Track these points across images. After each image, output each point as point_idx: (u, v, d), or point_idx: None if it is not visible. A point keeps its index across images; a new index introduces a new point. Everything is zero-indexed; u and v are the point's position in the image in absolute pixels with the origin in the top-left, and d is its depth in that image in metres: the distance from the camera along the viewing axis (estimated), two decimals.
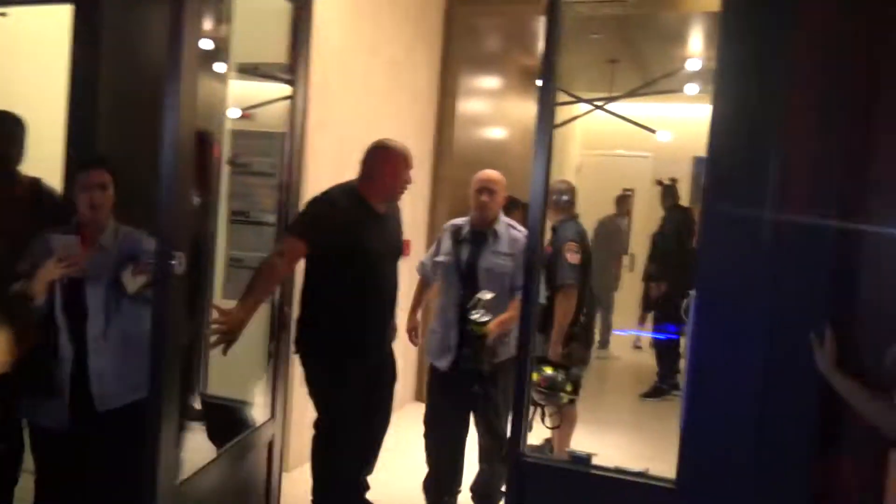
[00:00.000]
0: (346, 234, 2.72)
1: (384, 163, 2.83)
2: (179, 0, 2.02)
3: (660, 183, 6.12)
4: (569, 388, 3.42)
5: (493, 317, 2.95)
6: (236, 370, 3.22)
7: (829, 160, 2.02)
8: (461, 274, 3.14)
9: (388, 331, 3.03)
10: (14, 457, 2.61)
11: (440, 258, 3.26)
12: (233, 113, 3.27)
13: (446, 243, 3.25)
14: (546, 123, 2.42)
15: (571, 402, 3.56)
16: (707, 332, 2.14)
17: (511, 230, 3.19)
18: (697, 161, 7.86)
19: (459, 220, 3.30)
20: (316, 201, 2.83)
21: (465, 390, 3.06)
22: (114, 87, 2.65)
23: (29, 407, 2.43)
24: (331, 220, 2.73)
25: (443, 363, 3.15)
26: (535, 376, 3.06)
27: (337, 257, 2.75)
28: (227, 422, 2.97)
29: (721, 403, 2.11)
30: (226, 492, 2.68)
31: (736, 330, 2.08)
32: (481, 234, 3.17)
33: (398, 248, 3.03)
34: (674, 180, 6.05)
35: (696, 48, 5.85)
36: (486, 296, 2.93)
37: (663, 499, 2.30)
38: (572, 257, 3.58)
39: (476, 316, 2.90)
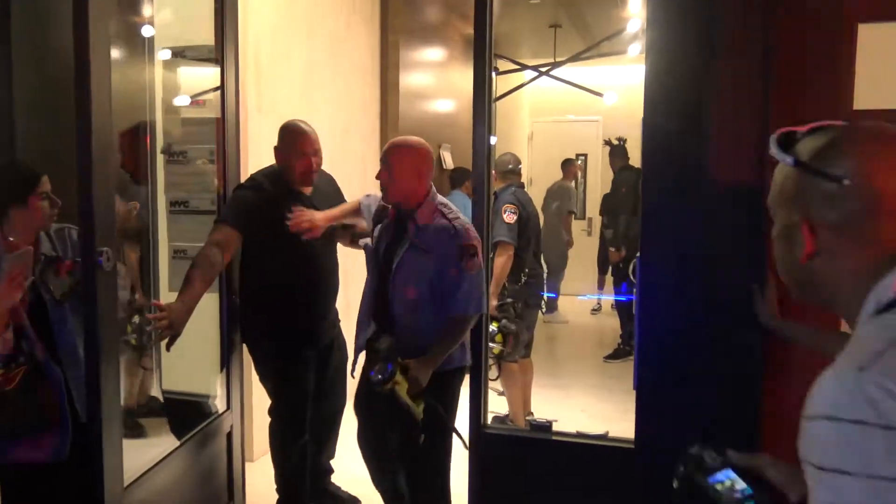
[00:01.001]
0: (273, 219, 2.67)
1: (290, 145, 2.78)
2: None
3: (608, 143, 6.09)
4: (498, 338, 3.49)
5: (396, 361, 2.23)
6: (192, 363, 3.16)
7: (762, 115, 2.02)
8: (379, 266, 2.50)
9: (332, 312, 2.99)
10: None
11: (366, 239, 2.68)
12: (181, 100, 3.15)
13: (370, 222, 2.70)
14: (483, 91, 2.38)
15: (503, 355, 3.69)
16: (653, 290, 2.15)
17: (438, 219, 2.42)
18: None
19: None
20: (241, 188, 2.81)
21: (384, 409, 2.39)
22: (29, 82, 2.52)
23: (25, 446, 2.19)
24: (256, 205, 2.71)
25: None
26: None
27: (271, 241, 2.71)
28: (186, 416, 2.92)
29: (670, 360, 2.13)
30: (186, 485, 2.64)
31: (680, 288, 2.09)
32: (401, 222, 2.48)
33: (330, 227, 2.95)
34: (621, 140, 5.99)
35: (636, 9, 5.83)
36: (383, 344, 2.32)
37: (624, 459, 2.32)
38: (508, 217, 3.84)
39: (376, 377, 2.21)
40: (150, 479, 2.38)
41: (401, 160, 2.40)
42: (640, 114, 2.22)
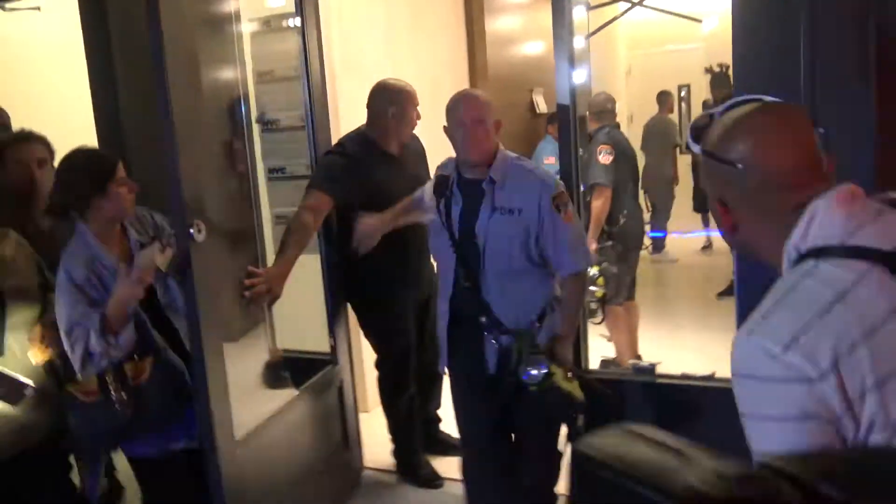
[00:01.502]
0: (364, 181, 2.72)
1: (387, 104, 2.79)
2: None
3: (708, 71, 5.71)
4: (599, 281, 3.43)
5: (542, 354, 2.08)
6: (302, 322, 3.30)
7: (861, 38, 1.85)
8: (458, 243, 2.26)
9: (427, 266, 3.03)
10: None
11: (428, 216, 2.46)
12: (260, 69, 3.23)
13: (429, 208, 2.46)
14: (562, 28, 2.31)
15: (606, 298, 3.67)
16: None
17: (519, 174, 2.23)
18: None
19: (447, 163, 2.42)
20: (329, 153, 2.85)
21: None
22: (129, 71, 2.66)
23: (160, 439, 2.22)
24: (346, 169, 2.75)
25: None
26: None
27: (362, 204, 2.75)
28: (300, 372, 3.07)
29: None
30: (303, 435, 2.78)
31: None
32: (474, 187, 2.25)
33: (421, 184, 2.97)
34: (723, 67, 5.58)
35: None
36: (523, 341, 2.11)
37: (730, 399, 2.24)
38: (604, 158, 3.73)
39: (534, 379, 2.02)
40: (265, 431, 2.53)
41: (475, 114, 2.17)
42: None
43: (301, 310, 3.11)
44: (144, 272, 1.97)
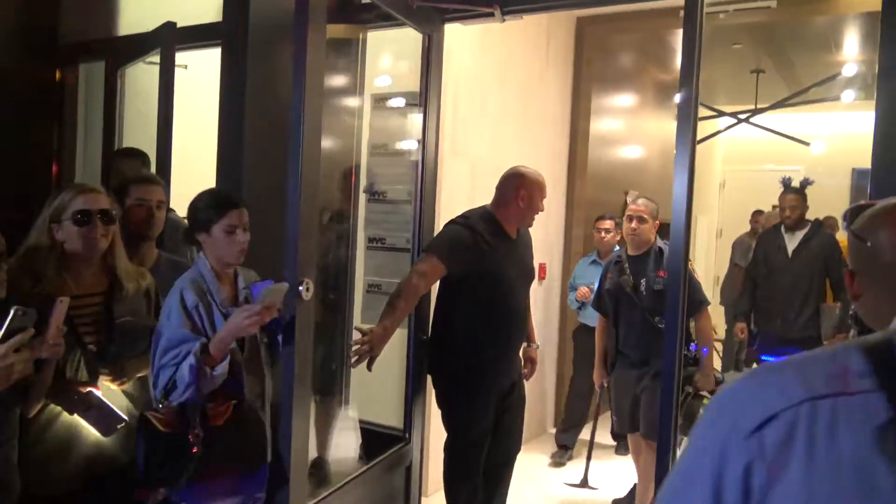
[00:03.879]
0: (483, 258, 2.74)
1: (520, 189, 2.85)
2: (303, 38, 2.09)
3: (785, 183, 4.63)
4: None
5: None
6: (376, 394, 3.29)
7: None
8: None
9: (518, 354, 2.99)
10: None
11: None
12: (373, 143, 3.36)
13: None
14: (687, 138, 2.31)
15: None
16: None
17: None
18: (856, 172, 7.27)
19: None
20: (454, 224, 2.85)
21: None
22: (258, 126, 2.80)
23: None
24: (469, 243, 2.76)
25: None
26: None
27: (473, 280, 2.76)
28: (369, 445, 3.03)
29: None
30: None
31: None
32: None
33: (530, 271, 3.03)
34: (806, 182, 4.59)
35: (851, 52, 5.41)
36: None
37: None
38: (697, 275, 3.58)
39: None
40: (333, 500, 2.49)
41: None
42: (848, 163, 2.06)
43: (378, 379, 3.10)
44: (269, 307, 1.91)
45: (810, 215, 5.23)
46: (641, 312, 3.39)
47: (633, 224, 3.43)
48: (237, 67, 2.85)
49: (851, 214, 1.15)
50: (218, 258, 2.06)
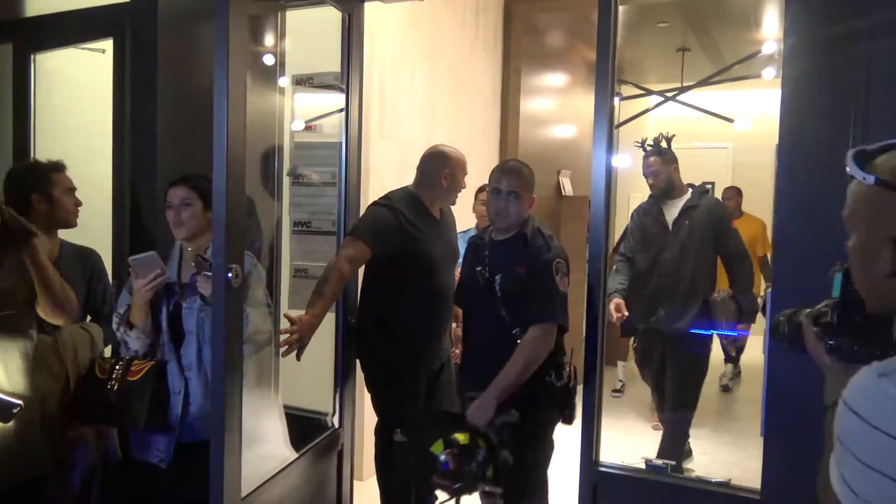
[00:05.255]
0: (408, 239, 2.72)
1: (442, 168, 2.83)
2: (224, 15, 2.02)
3: (641, 145, 4.03)
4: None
5: None
6: (306, 381, 3.24)
7: None
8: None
9: (447, 335, 2.99)
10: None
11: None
12: (296, 125, 3.29)
13: None
14: (604, 116, 2.32)
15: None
16: None
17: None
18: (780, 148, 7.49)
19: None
20: (377, 206, 2.82)
21: None
22: (171, 112, 2.70)
23: (136, 443, 2.43)
24: (394, 224, 2.73)
25: None
26: None
27: (399, 262, 2.73)
28: (299, 432, 2.98)
29: (803, 407, 1.95)
30: (298, 499, 2.68)
31: None
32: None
33: (455, 251, 3.02)
34: (663, 139, 3.95)
35: (770, 30, 5.55)
36: None
37: None
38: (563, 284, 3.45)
39: None
40: (265, 491, 2.44)
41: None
42: (774, 140, 2.09)
43: (306, 365, 3.05)
44: (143, 276, 2.26)
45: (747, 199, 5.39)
46: (492, 320, 2.47)
47: (496, 199, 2.48)
48: (147, 50, 2.74)
49: (864, 157, 0.92)
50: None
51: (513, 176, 2.46)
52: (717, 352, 5.49)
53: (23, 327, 2.23)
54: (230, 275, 2.08)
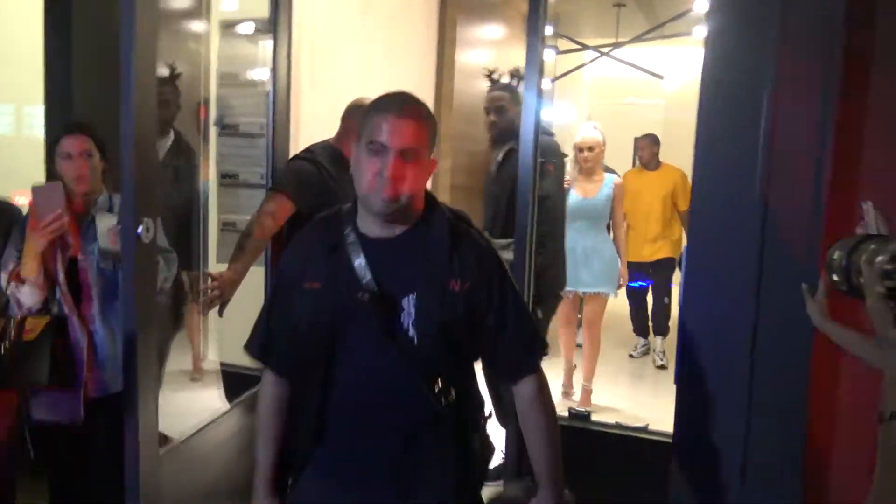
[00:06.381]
0: (331, 193, 2.69)
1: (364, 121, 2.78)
2: None
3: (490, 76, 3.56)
4: None
5: None
6: (241, 335, 3.21)
7: (822, 112, 1.92)
8: None
9: None
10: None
11: None
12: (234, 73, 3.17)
13: None
14: (534, 68, 2.34)
15: None
16: (699, 284, 2.08)
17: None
18: None
19: None
20: (299, 160, 2.78)
21: None
22: (87, 56, 2.59)
23: (42, 404, 2.29)
24: (316, 178, 2.70)
25: None
26: None
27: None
28: (236, 386, 2.97)
29: (714, 355, 2.05)
30: (229, 455, 2.68)
31: (727, 283, 2.01)
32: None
33: None
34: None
35: None
36: None
37: (662, 453, 2.26)
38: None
39: None
40: (190, 446, 2.43)
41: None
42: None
43: (239, 321, 3.02)
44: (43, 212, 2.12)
45: (667, 153, 5.38)
46: (396, 386, 1.42)
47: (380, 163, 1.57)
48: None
49: None
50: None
51: (412, 121, 1.40)
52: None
53: None
54: (140, 228, 2.00)
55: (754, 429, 2.00)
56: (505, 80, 3.41)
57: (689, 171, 5.52)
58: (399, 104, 1.42)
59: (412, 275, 1.40)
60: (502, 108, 3.28)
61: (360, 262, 1.40)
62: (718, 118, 2.05)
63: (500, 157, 3.25)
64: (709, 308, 2.05)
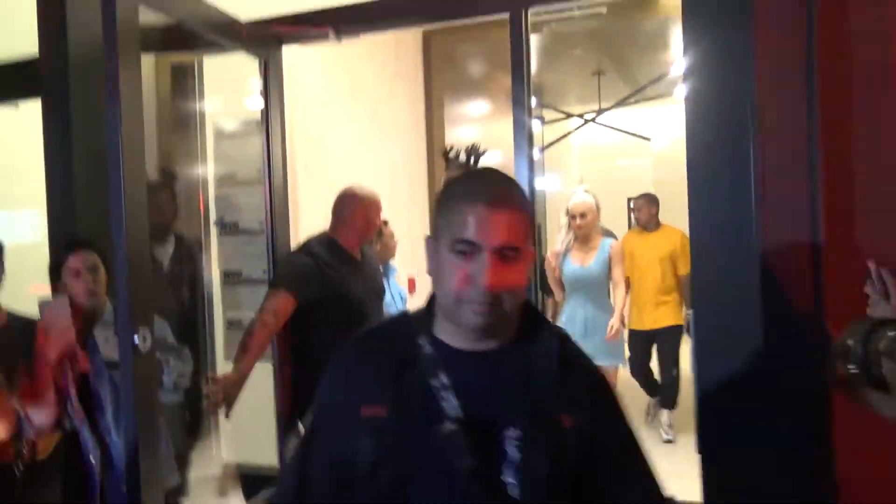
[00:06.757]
0: (331, 282, 2.70)
1: (354, 208, 2.82)
2: (114, 64, 1.99)
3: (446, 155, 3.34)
4: None
5: None
6: (251, 434, 3.16)
7: (808, 157, 1.95)
8: None
9: None
10: None
11: None
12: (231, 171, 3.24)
13: None
14: (523, 139, 2.40)
15: None
16: (710, 349, 2.06)
17: None
18: None
19: None
20: (296, 254, 2.81)
21: None
22: (87, 166, 2.64)
23: None
24: (314, 270, 2.71)
25: None
26: None
27: (326, 306, 2.70)
28: (247, 486, 2.91)
29: (736, 419, 2.02)
30: None
31: (740, 345, 1.99)
32: None
33: (380, 289, 3.02)
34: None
35: (679, 52, 5.80)
36: None
37: None
38: None
39: None
40: None
41: None
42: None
43: (250, 419, 2.98)
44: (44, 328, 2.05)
45: (669, 214, 5.25)
46: None
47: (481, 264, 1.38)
48: (61, 111, 2.68)
49: None
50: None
51: (510, 210, 1.09)
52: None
53: None
54: (136, 338, 2.00)
55: (784, 489, 1.95)
56: (462, 158, 3.25)
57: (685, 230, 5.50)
58: (490, 190, 1.09)
59: (512, 403, 1.07)
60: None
61: (441, 381, 1.08)
62: (707, 175, 2.08)
63: None
64: (725, 372, 2.02)
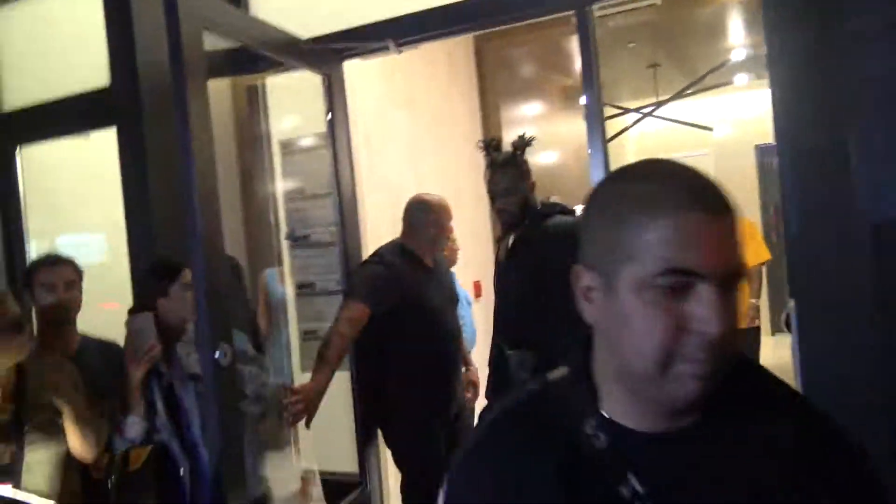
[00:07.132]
0: (405, 291, 2.72)
1: (426, 215, 2.84)
2: (182, 90, 2.04)
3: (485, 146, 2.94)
4: None
5: None
6: (328, 441, 3.20)
7: None
8: None
9: (459, 380, 2.97)
10: None
11: None
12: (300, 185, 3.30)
13: None
14: (598, 139, 2.39)
15: None
16: (816, 343, 1.97)
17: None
18: (759, 149, 7.58)
19: None
20: (369, 263, 2.83)
21: None
22: (164, 193, 2.73)
23: None
24: (388, 279, 2.73)
25: None
26: None
27: (400, 315, 2.73)
28: (328, 494, 2.94)
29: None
30: None
31: (846, 340, 1.90)
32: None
33: (454, 296, 3.03)
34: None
35: (737, 38, 5.66)
36: None
37: None
38: None
39: None
40: None
41: None
42: (751, 141, 2.13)
43: (328, 427, 3.03)
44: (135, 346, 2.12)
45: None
46: None
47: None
48: (134, 138, 2.77)
49: None
50: (180, 318, 2.31)
51: (730, 221, 0.75)
52: None
53: (56, 432, 2.15)
54: (218, 353, 2.04)
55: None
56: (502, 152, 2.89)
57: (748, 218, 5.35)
58: (701, 188, 0.74)
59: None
60: (508, 189, 2.75)
61: (633, 488, 0.74)
62: (802, 166, 2.01)
63: (508, 244, 2.77)
64: (835, 368, 1.93)
